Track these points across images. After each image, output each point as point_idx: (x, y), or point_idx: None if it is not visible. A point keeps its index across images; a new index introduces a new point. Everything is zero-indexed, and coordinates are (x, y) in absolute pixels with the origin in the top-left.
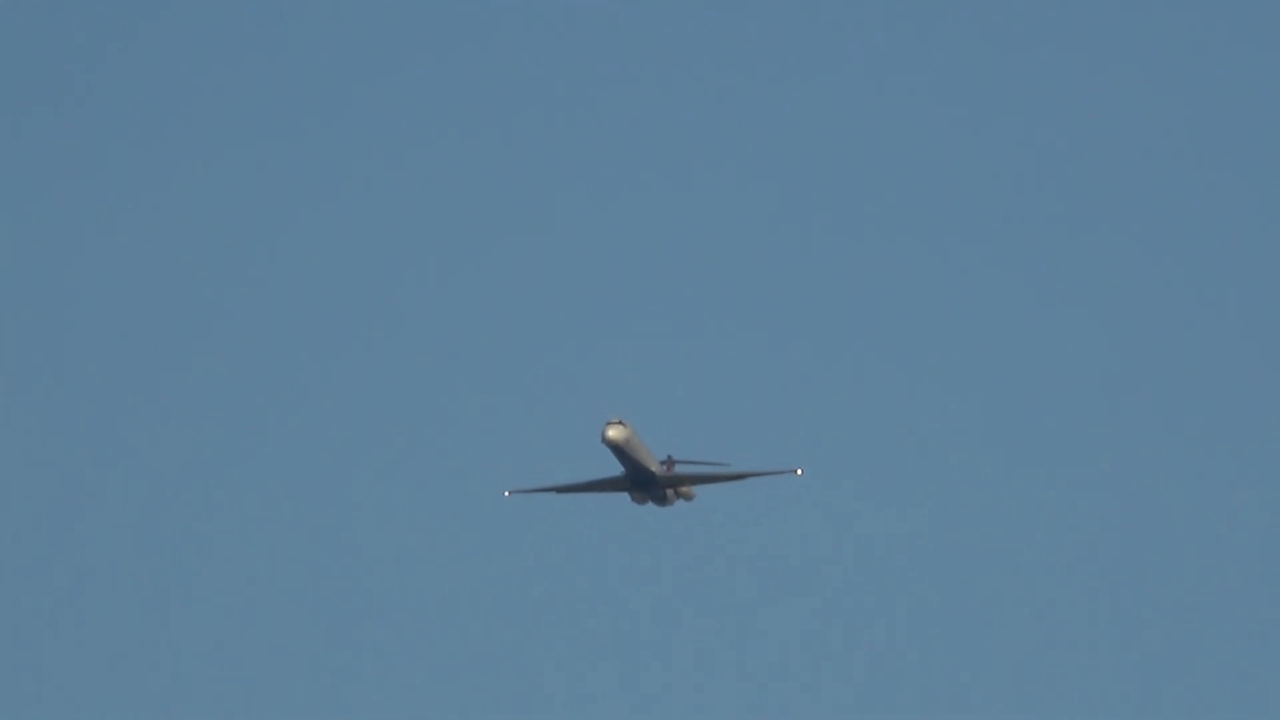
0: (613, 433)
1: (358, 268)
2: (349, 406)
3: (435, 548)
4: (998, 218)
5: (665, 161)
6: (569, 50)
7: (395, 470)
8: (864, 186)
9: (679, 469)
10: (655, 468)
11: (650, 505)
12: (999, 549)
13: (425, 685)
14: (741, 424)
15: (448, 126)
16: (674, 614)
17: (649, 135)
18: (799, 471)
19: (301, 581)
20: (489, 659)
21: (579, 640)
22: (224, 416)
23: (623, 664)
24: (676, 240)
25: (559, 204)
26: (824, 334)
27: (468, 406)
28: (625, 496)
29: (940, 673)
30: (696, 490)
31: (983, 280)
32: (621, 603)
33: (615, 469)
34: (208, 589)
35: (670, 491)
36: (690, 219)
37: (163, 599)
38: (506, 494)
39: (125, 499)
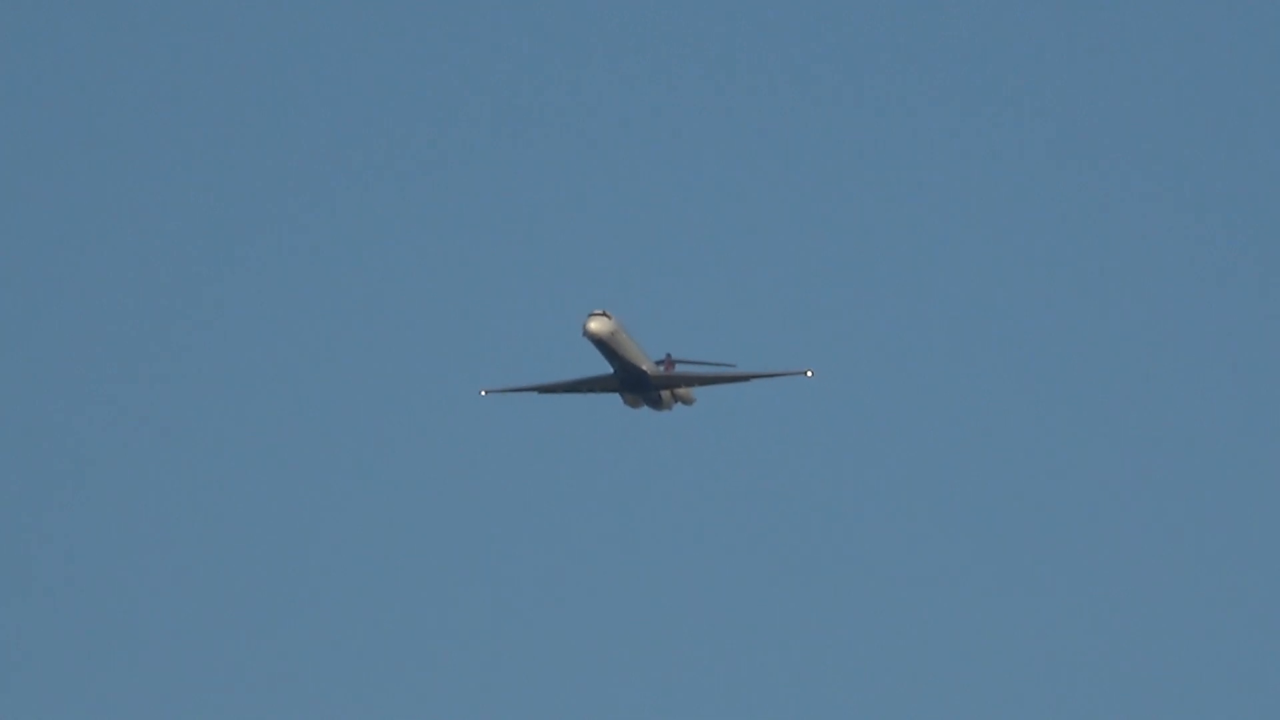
0: (594, 325)
1: (331, 149)
2: (309, 300)
3: (401, 452)
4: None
5: (668, 56)
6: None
7: (359, 364)
8: (878, 81)
9: (680, 369)
10: (648, 366)
11: (645, 409)
12: (1023, 457)
13: (398, 604)
14: (749, 322)
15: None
16: (669, 527)
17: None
18: (809, 373)
19: (272, 490)
20: (463, 575)
21: (563, 555)
22: (207, 321)
23: (611, 579)
24: (682, 124)
25: (552, 82)
26: (839, 224)
27: (438, 292)
28: (617, 398)
29: (952, 588)
30: (696, 393)
31: (1005, 168)
32: (610, 514)
33: (605, 367)
34: (200, 484)
35: (666, 393)
36: (694, 104)
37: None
38: (482, 393)
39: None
